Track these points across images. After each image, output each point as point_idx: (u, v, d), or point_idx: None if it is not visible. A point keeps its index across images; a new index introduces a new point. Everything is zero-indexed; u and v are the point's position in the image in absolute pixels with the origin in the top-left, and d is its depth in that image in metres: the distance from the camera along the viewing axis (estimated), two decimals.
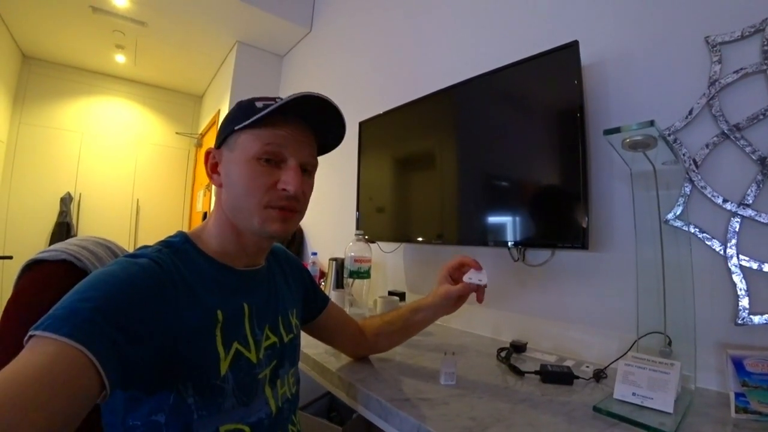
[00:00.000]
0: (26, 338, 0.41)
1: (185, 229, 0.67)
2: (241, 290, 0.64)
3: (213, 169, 0.67)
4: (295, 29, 2.94)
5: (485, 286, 0.85)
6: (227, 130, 0.64)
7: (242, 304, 0.63)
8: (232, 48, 3.27)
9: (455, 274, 0.91)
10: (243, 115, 0.62)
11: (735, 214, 0.83)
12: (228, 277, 0.63)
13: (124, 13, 2.91)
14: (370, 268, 1.39)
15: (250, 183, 0.61)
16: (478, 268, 0.87)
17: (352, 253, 1.36)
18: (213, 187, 0.71)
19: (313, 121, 0.66)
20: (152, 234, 4.02)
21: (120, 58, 3.75)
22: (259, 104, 0.62)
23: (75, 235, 3.96)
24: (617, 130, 0.75)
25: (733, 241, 0.82)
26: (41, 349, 0.39)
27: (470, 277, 0.86)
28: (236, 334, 0.60)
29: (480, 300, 0.87)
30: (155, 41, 3.36)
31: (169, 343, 0.50)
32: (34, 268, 0.66)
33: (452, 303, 0.90)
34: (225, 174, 0.64)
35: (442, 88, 1.43)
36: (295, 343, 0.75)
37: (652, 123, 0.69)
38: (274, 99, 0.62)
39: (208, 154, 0.67)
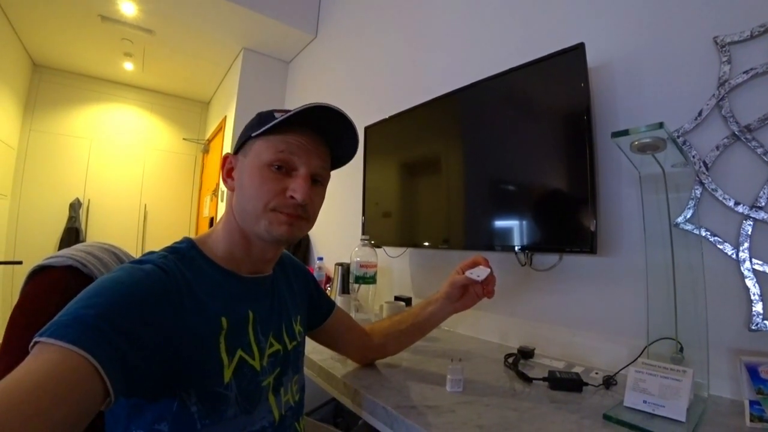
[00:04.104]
0: (31, 345, 0.41)
1: (192, 235, 0.67)
2: (246, 297, 0.64)
3: (228, 174, 0.68)
4: (300, 36, 2.96)
5: (482, 281, 0.88)
6: (244, 137, 0.66)
7: (247, 311, 0.62)
8: (238, 55, 3.30)
9: (462, 271, 0.92)
10: (260, 123, 0.64)
11: (747, 217, 0.81)
12: (233, 284, 0.63)
13: (132, 21, 2.95)
14: (375, 274, 1.39)
15: (259, 188, 0.61)
16: (486, 266, 0.89)
17: (358, 259, 1.36)
18: (223, 193, 0.71)
19: (328, 134, 0.67)
20: (160, 239, 4.05)
21: (128, 66, 3.79)
22: (277, 114, 0.63)
23: (84, 241, 3.99)
24: (625, 132, 0.73)
25: (746, 245, 0.81)
26: (45, 356, 0.39)
27: (471, 271, 0.89)
28: (240, 342, 0.60)
29: (488, 294, 0.90)
30: (163, 49, 3.40)
31: (173, 350, 0.50)
32: (40, 274, 0.66)
33: (458, 293, 0.92)
34: (238, 179, 0.65)
35: (447, 92, 1.42)
36: (299, 350, 0.75)
37: (661, 125, 0.68)
38: (286, 110, 0.66)
39: (225, 158, 0.68)
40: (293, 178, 0.63)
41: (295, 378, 0.72)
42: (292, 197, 0.62)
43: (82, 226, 3.87)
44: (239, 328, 0.60)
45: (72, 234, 3.75)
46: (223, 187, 3.20)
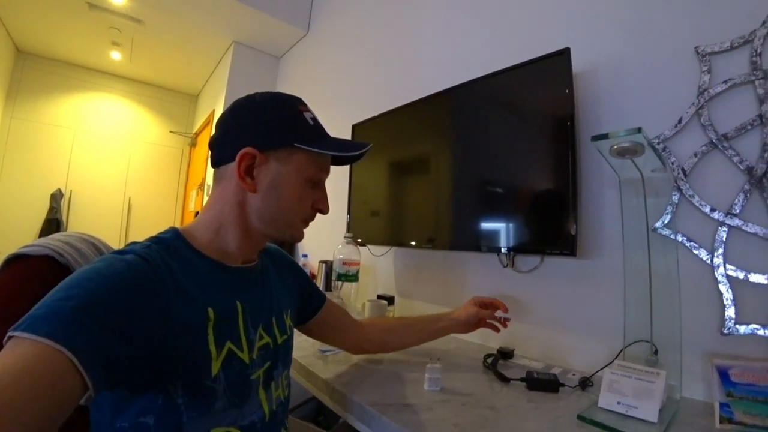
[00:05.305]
0: (5, 339, 0.39)
1: None
2: (235, 288, 0.63)
3: (247, 171, 0.62)
4: (292, 31, 2.94)
5: (509, 319, 1.08)
6: (282, 140, 0.63)
7: (235, 302, 0.61)
8: (228, 48, 3.26)
9: (482, 306, 1.07)
10: (295, 126, 0.64)
11: (722, 224, 0.83)
12: (221, 274, 0.62)
13: (120, 10, 2.90)
14: (358, 272, 1.38)
15: (301, 203, 0.66)
16: (505, 310, 1.07)
17: (341, 256, 1.36)
18: (209, 187, 0.69)
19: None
20: (144, 233, 3.93)
21: (115, 55, 3.73)
22: (308, 116, 0.65)
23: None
24: (605, 136, 0.74)
25: (720, 251, 0.83)
26: (20, 351, 0.37)
27: (499, 314, 1.07)
28: (229, 334, 0.58)
29: (497, 331, 1.09)
30: (151, 39, 3.35)
31: (157, 342, 0.49)
32: (15, 264, 0.64)
33: (474, 323, 1.06)
34: (269, 183, 0.63)
35: (435, 92, 1.43)
36: (289, 344, 0.74)
37: (639, 130, 0.69)
38: (308, 108, 0.68)
39: (247, 155, 0.61)
40: (317, 191, 0.69)
41: (285, 373, 0.71)
42: (320, 210, 0.70)
43: (64, 218, 3.79)
44: (228, 320, 0.59)
45: (52, 225, 3.67)
46: (209, 180, 3.16)
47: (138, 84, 4.36)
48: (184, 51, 3.49)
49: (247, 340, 0.61)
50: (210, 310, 0.56)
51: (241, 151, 0.61)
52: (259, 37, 3.08)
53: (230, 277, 0.63)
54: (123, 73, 4.19)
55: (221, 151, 0.65)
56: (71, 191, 3.89)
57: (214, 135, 0.67)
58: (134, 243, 0.57)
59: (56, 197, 3.75)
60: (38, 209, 3.69)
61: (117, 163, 4.19)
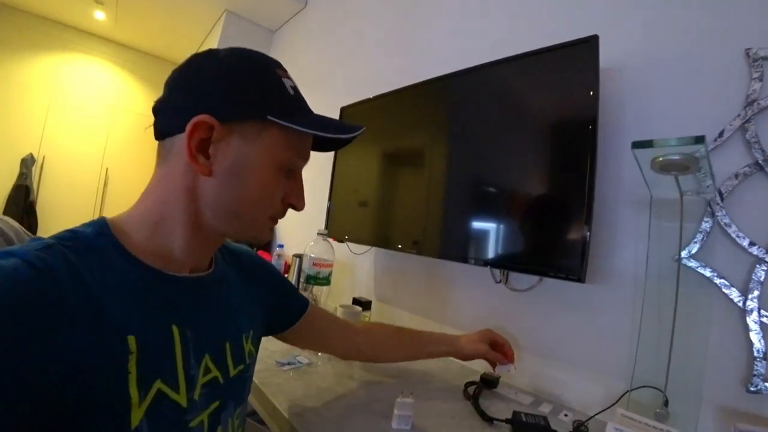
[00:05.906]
0: None
1: None
2: (174, 307, 0.47)
3: (200, 146, 0.46)
4: (288, 3, 2.74)
5: (514, 369, 0.95)
6: (251, 110, 0.48)
7: (171, 326, 0.45)
8: (220, 17, 3.05)
9: (494, 345, 0.95)
10: (271, 94, 0.49)
11: (761, 261, 0.69)
12: (157, 287, 0.46)
13: None
14: (330, 274, 1.23)
15: (269, 194, 0.52)
16: (512, 360, 0.95)
17: (312, 255, 1.20)
18: (163, 162, 0.51)
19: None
20: (119, 207, 3.77)
21: (99, 15, 3.47)
22: (288, 84, 0.51)
23: (33, 200, 3.63)
24: (649, 144, 0.59)
25: (756, 293, 0.69)
26: None
27: (501, 368, 0.94)
28: (159, 370, 0.43)
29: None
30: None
31: (42, 392, 0.33)
32: None
33: (471, 356, 0.95)
34: (228, 166, 0.48)
35: (437, 76, 1.26)
36: (246, 376, 0.58)
37: (701, 139, 0.54)
38: (288, 74, 0.53)
39: (202, 125, 0.46)
40: (291, 181, 0.54)
41: (238, 411, 0.56)
42: (292, 205, 0.56)
43: (34, 185, 3.56)
44: (159, 351, 0.44)
45: (21, 191, 3.45)
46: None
47: (123, 48, 4.09)
48: (174, 15, 3.25)
49: (186, 376, 0.45)
50: (131, 338, 0.40)
51: (194, 120, 0.45)
52: (253, 6, 2.87)
53: (170, 290, 0.47)
54: (106, 35, 3.92)
55: (167, 118, 0.49)
56: (44, 157, 3.65)
57: (160, 97, 0.51)
58: (36, 239, 0.41)
59: (27, 162, 3.52)
60: (7, 174, 3.45)
61: (96, 130, 3.94)
